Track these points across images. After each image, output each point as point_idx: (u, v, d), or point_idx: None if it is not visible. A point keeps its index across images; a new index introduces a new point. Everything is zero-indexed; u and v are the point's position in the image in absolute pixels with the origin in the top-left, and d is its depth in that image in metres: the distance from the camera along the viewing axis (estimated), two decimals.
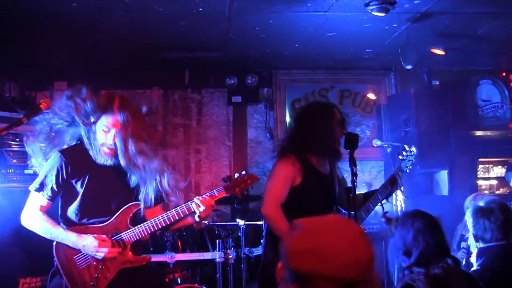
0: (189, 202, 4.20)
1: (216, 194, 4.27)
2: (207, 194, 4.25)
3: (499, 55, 8.59)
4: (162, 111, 9.28)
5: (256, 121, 9.73)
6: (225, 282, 6.74)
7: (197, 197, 4.22)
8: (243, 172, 4.40)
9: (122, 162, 4.19)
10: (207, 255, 6.69)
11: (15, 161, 6.52)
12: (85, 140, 4.24)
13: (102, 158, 4.21)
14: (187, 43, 7.85)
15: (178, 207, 4.22)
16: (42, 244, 6.05)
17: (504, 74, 8.67)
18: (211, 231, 7.26)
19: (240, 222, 6.95)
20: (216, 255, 6.61)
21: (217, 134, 9.59)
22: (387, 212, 4.13)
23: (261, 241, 5.33)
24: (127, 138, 4.15)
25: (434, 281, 3.35)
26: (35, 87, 9.01)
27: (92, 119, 4.15)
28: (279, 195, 4.78)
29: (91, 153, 4.22)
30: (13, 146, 6.53)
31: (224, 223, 7.43)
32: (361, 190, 5.73)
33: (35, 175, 6.54)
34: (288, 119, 9.62)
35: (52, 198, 4.22)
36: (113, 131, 4.13)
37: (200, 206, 4.17)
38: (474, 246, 4.49)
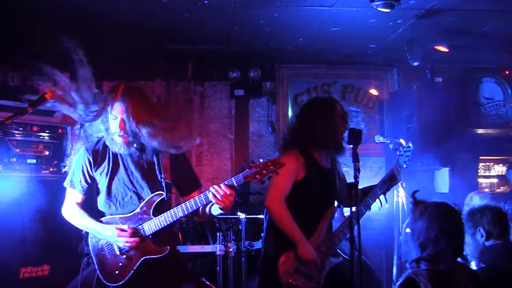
0: (206, 192, 4.08)
1: (234, 183, 4.01)
2: (225, 182, 4.02)
3: (503, 53, 8.57)
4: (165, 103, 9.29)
5: (258, 115, 9.73)
6: (225, 275, 6.74)
7: (213, 186, 4.02)
8: (268, 157, 4.09)
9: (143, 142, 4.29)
10: (207, 248, 6.70)
11: (18, 150, 6.53)
12: (104, 132, 4.34)
13: (116, 147, 4.27)
14: (191, 36, 7.83)
15: (196, 197, 4.12)
16: (44, 234, 6.09)
17: (507, 72, 8.65)
18: (212, 224, 7.28)
19: (241, 215, 6.96)
20: (217, 248, 6.61)
21: (219, 127, 9.58)
22: (418, 190, 4.04)
23: (262, 235, 5.33)
24: (135, 123, 4.17)
25: (437, 276, 3.34)
26: (38, 77, 8.99)
27: (100, 108, 4.26)
28: (283, 189, 4.82)
29: (107, 143, 4.32)
30: (16, 135, 6.54)
31: (225, 216, 7.41)
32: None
33: (37, 164, 6.60)
34: (290, 113, 9.62)
35: (85, 192, 4.42)
36: (119, 118, 4.16)
37: (216, 196, 4.00)
38: (477, 243, 4.43)
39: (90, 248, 4.34)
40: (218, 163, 9.47)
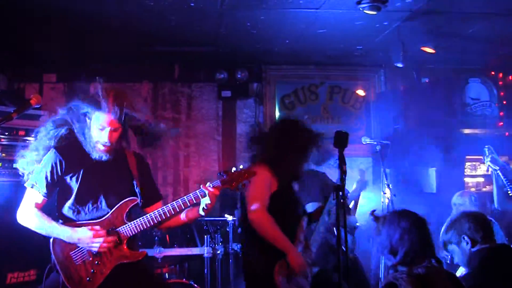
0: (196, 191, 4.13)
1: (220, 185, 4.10)
2: (211, 184, 4.11)
3: (489, 54, 8.62)
4: (152, 105, 9.30)
5: (245, 116, 9.73)
6: (213, 278, 6.74)
7: (202, 186, 4.10)
8: (241, 167, 4.22)
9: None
10: (195, 250, 6.69)
11: (4, 154, 6.48)
12: (80, 137, 4.26)
13: (97, 154, 4.22)
14: (178, 38, 7.83)
15: (180, 199, 4.15)
16: (31, 239, 6.04)
17: (493, 72, 8.71)
18: (199, 226, 7.26)
19: (229, 217, 6.96)
20: (204, 251, 6.61)
21: (206, 129, 9.57)
22: (375, 210, 4.18)
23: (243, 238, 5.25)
24: (125, 133, 4.22)
25: (417, 280, 3.38)
26: (24, 79, 8.96)
27: (87, 114, 4.21)
28: (264, 200, 4.79)
29: (86, 148, 4.24)
30: (1, 139, 6.49)
31: (213, 219, 7.41)
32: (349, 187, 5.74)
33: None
34: (277, 114, 9.63)
35: (48, 195, 4.23)
36: (107, 129, 4.15)
37: (206, 197, 4.10)
38: (464, 251, 4.41)
39: (53, 255, 4.15)
40: (205, 165, 9.45)
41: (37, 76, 9.10)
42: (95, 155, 4.23)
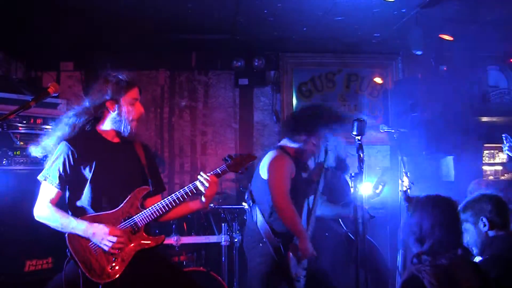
0: (194, 182, 4.21)
1: (220, 172, 4.26)
2: (211, 172, 4.24)
3: (507, 41, 8.52)
4: (168, 93, 9.34)
5: (262, 104, 9.74)
6: (230, 266, 6.76)
7: (201, 173, 4.21)
8: (241, 154, 4.42)
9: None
10: (212, 239, 6.70)
11: (22, 143, 6.51)
12: (116, 123, 4.29)
13: (131, 131, 4.32)
14: (195, 25, 7.83)
15: (186, 187, 4.21)
16: (48, 227, 6.09)
17: (511, 60, 8.64)
18: (216, 214, 7.29)
19: (246, 205, 6.96)
20: (222, 239, 6.62)
21: (223, 116, 9.61)
22: (410, 188, 4.12)
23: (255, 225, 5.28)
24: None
25: (440, 271, 3.33)
26: (41, 67, 9.00)
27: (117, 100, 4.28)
28: (288, 188, 4.96)
29: (122, 129, 4.29)
30: (20, 128, 6.52)
31: (230, 207, 7.43)
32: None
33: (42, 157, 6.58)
34: (294, 101, 9.62)
35: (62, 187, 4.19)
36: (137, 101, 4.31)
37: (204, 184, 4.17)
38: (480, 232, 4.36)
39: (71, 249, 4.07)
40: (222, 153, 9.45)
41: (54, 64, 9.16)
42: (130, 137, 4.34)
